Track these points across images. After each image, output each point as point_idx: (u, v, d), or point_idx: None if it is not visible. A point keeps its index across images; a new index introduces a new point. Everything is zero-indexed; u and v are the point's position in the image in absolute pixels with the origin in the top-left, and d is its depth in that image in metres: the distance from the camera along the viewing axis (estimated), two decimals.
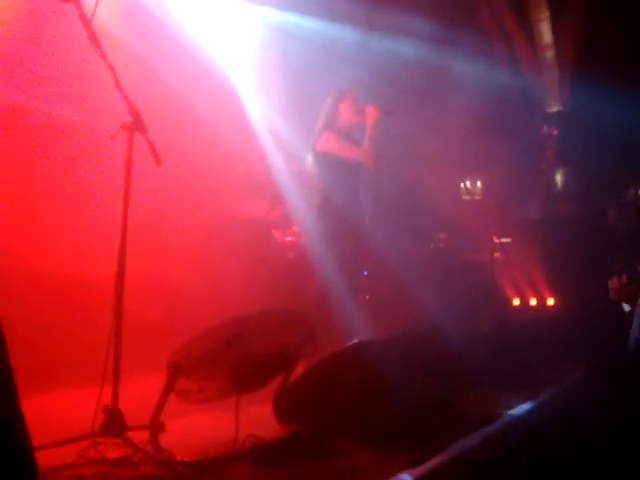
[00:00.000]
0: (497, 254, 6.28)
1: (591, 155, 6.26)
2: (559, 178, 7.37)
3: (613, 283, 3.38)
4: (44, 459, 2.17)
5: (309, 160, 4.04)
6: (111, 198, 2.74)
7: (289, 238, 5.28)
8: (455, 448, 2.68)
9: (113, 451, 2.43)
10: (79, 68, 3.60)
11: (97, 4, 2.64)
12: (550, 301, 6.28)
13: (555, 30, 7.29)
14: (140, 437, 2.49)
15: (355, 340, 2.90)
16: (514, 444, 3.08)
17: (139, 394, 2.71)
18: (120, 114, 2.62)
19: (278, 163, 4.70)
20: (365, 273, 4.42)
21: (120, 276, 2.58)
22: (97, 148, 3.53)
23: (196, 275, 4.17)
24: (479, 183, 7.43)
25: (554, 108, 7.51)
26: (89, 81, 3.57)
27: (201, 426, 2.92)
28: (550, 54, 7.48)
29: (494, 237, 5.82)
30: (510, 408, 3.42)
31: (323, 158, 3.96)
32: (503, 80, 6.71)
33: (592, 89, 6.20)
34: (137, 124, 2.58)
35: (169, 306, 3.98)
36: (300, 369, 3.03)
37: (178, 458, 2.41)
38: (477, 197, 7.09)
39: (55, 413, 2.92)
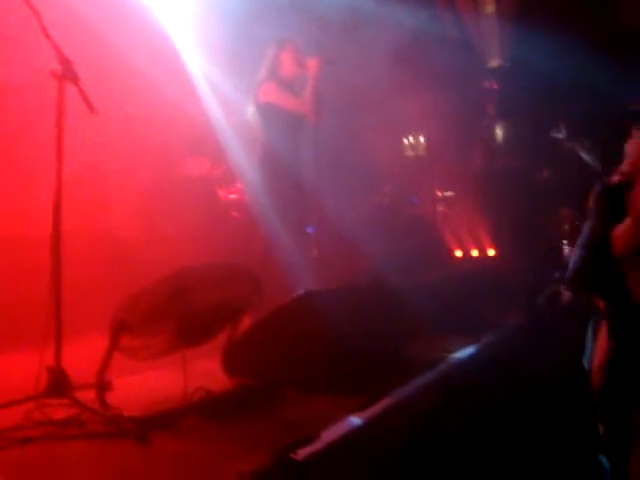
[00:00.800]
0: (440, 207, 6.41)
1: (529, 109, 6.41)
2: (499, 132, 7.51)
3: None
4: None
5: (251, 111, 3.97)
6: (45, 151, 2.62)
7: (233, 196, 5.23)
8: (401, 391, 2.75)
9: (59, 412, 2.39)
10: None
11: None
12: (491, 252, 6.49)
13: None
14: (86, 396, 2.46)
15: (301, 291, 2.92)
16: (456, 385, 3.20)
17: (83, 354, 2.66)
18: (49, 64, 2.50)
19: (219, 117, 4.59)
20: (310, 228, 4.43)
21: (56, 234, 2.49)
22: (27, 99, 3.36)
23: (138, 234, 4.09)
24: (422, 138, 7.49)
25: (495, 63, 7.59)
26: (13, 28, 3.37)
27: (149, 382, 2.91)
28: (491, 8, 7.53)
29: (437, 190, 5.91)
30: (452, 352, 3.54)
31: (265, 109, 3.90)
32: (445, 34, 6.72)
33: (532, 43, 6.28)
34: (67, 72, 2.47)
35: (111, 265, 3.89)
36: (247, 322, 3.03)
37: (126, 414, 2.39)
38: (420, 153, 7.16)
39: None
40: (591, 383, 2.58)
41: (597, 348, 2.61)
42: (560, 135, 3.92)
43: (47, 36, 2.48)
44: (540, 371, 3.93)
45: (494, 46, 7.64)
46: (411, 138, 7.19)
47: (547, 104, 6.04)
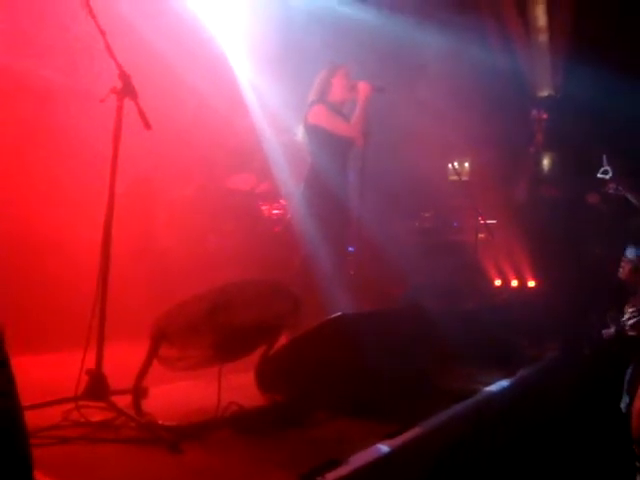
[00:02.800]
0: (481, 235, 6.34)
1: (578, 140, 6.32)
2: (546, 162, 7.42)
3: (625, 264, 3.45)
4: (28, 419, 2.22)
5: (301, 131, 4.03)
6: (100, 163, 2.73)
7: (276, 211, 5.30)
8: (431, 422, 2.74)
9: (96, 414, 2.46)
10: (71, 32, 3.56)
11: None
12: (531, 283, 6.39)
13: (550, 14, 7.28)
14: (123, 401, 2.53)
15: (338, 313, 2.94)
16: (488, 419, 3.16)
17: (123, 360, 2.73)
18: (111, 79, 2.61)
19: (267, 134, 4.68)
20: (351, 249, 4.46)
21: (106, 243, 2.59)
22: (86, 113, 3.50)
23: (182, 245, 4.18)
24: (467, 164, 7.46)
25: (545, 92, 7.53)
26: (80, 45, 3.53)
27: (183, 393, 2.97)
28: (544, 37, 7.47)
29: (479, 218, 5.87)
30: (486, 385, 3.50)
31: (314, 130, 3.95)
32: (496, 62, 6.70)
33: (583, 75, 6.21)
34: (127, 88, 2.57)
35: (155, 274, 3.99)
36: (283, 340, 3.07)
37: (160, 422, 2.44)
38: (464, 178, 7.13)
39: (40, 375, 2.95)
40: (630, 429, 2.51)
41: (638, 394, 2.55)
42: (606, 176, 3.86)
43: (110, 53, 2.59)
44: (574, 410, 3.85)
45: (545, 75, 7.58)
46: (456, 163, 7.16)
47: (596, 138, 5.95)
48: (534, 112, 7.35)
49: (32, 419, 2.22)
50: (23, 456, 1.33)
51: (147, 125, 2.57)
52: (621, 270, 3.46)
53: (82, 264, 3.03)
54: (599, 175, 3.85)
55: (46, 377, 2.91)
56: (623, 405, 3.19)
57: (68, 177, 3.77)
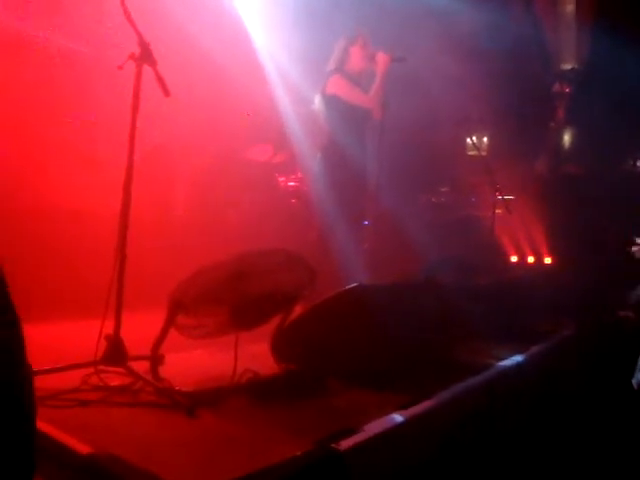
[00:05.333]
0: (499, 210, 6.29)
1: (603, 117, 6.18)
2: (567, 138, 7.30)
3: None
4: (49, 383, 2.27)
5: (317, 101, 4.00)
6: (119, 130, 2.73)
7: (292, 183, 5.29)
8: (445, 394, 2.76)
9: (114, 379, 2.51)
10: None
11: None
12: (547, 260, 6.35)
13: None
14: (141, 367, 2.57)
15: (354, 284, 2.95)
16: (501, 394, 3.17)
17: (141, 327, 2.77)
18: (129, 45, 2.60)
19: (285, 105, 4.64)
20: (366, 222, 4.45)
21: (125, 211, 2.60)
22: (105, 79, 3.50)
23: (200, 215, 4.20)
24: (486, 139, 7.36)
25: (569, 65, 7.36)
26: (98, 12, 3.51)
27: (200, 360, 3.01)
28: (570, 8, 7.28)
29: (497, 193, 5.81)
30: (500, 359, 3.51)
31: (331, 100, 3.91)
32: (519, 32, 6.55)
33: (610, 48, 6.04)
34: (145, 55, 2.56)
35: (173, 242, 4.01)
36: (298, 311, 3.09)
37: (177, 388, 2.48)
38: (483, 152, 7.04)
39: (60, 341, 3.00)
40: None
41: None
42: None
43: (129, 20, 2.58)
44: (586, 385, 3.85)
45: (570, 48, 7.40)
46: (475, 138, 7.07)
47: (624, 115, 5.81)
48: (557, 85, 7.20)
49: (52, 382, 2.30)
50: (28, 431, 1.34)
51: (166, 92, 2.57)
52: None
53: (100, 232, 3.05)
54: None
55: (66, 343, 2.96)
56: (635, 382, 3.18)
57: (86, 145, 3.78)
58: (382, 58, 3.92)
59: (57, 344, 2.87)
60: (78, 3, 3.67)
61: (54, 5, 3.62)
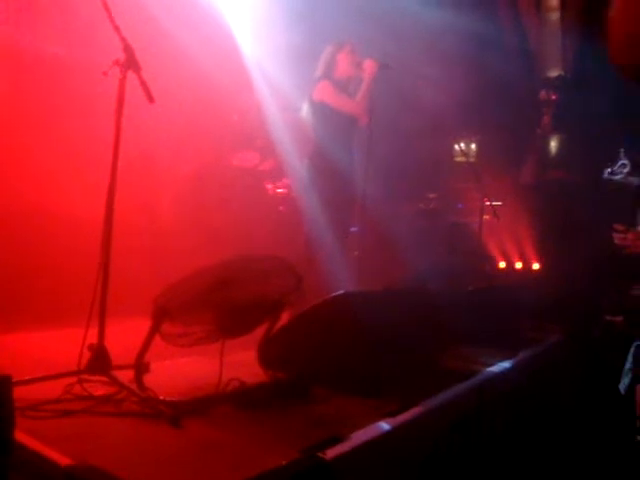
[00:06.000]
0: (487, 217, 6.31)
1: (588, 123, 6.22)
2: (553, 144, 7.34)
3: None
4: (31, 393, 2.23)
5: (304, 108, 3.99)
6: (102, 135, 2.71)
7: (280, 190, 5.28)
8: (432, 401, 2.74)
9: (98, 388, 2.48)
10: (74, 5, 3.51)
11: None
12: (535, 266, 6.37)
13: None
14: (125, 376, 2.54)
15: (341, 291, 2.93)
16: (489, 400, 3.16)
17: (125, 335, 2.74)
18: (114, 51, 2.58)
19: (272, 112, 4.64)
20: (354, 229, 4.44)
21: (109, 218, 2.57)
22: (89, 85, 3.47)
23: (185, 222, 4.17)
24: (473, 145, 7.39)
25: (555, 72, 7.41)
26: (83, 17, 3.49)
27: (185, 369, 2.98)
28: (555, 16, 7.34)
29: (485, 200, 5.83)
30: (488, 366, 3.50)
31: (318, 107, 3.91)
32: (505, 40, 6.60)
33: (595, 56, 6.09)
34: (130, 61, 2.54)
35: (158, 250, 3.98)
36: (286, 317, 3.07)
37: (161, 397, 2.45)
38: (471, 159, 7.07)
39: (42, 350, 2.96)
40: (631, 410, 2.51)
41: None
42: (624, 170, 3.75)
43: (114, 24, 2.56)
44: (573, 391, 3.86)
45: (555, 55, 7.46)
46: (462, 144, 7.10)
47: (609, 123, 5.85)
48: (543, 93, 7.25)
49: (35, 392, 2.26)
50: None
51: (150, 98, 2.54)
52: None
53: (84, 240, 3.02)
54: (616, 169, 3.77)
55: (49, 352, 2.92)
56: (622, 387, 3.18)
57: (71, 151, 3.74)
58: (369, 65, 3.93)
59: (39, 353, 2.84)
60: (62, 8, 3.64)
61: (36, 10, 3.59)
